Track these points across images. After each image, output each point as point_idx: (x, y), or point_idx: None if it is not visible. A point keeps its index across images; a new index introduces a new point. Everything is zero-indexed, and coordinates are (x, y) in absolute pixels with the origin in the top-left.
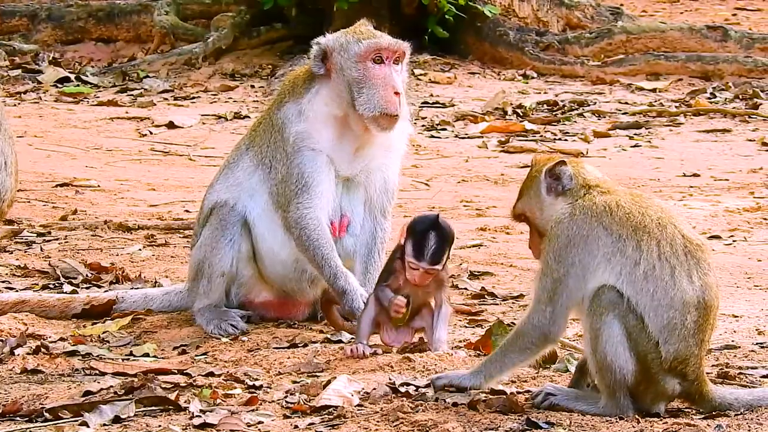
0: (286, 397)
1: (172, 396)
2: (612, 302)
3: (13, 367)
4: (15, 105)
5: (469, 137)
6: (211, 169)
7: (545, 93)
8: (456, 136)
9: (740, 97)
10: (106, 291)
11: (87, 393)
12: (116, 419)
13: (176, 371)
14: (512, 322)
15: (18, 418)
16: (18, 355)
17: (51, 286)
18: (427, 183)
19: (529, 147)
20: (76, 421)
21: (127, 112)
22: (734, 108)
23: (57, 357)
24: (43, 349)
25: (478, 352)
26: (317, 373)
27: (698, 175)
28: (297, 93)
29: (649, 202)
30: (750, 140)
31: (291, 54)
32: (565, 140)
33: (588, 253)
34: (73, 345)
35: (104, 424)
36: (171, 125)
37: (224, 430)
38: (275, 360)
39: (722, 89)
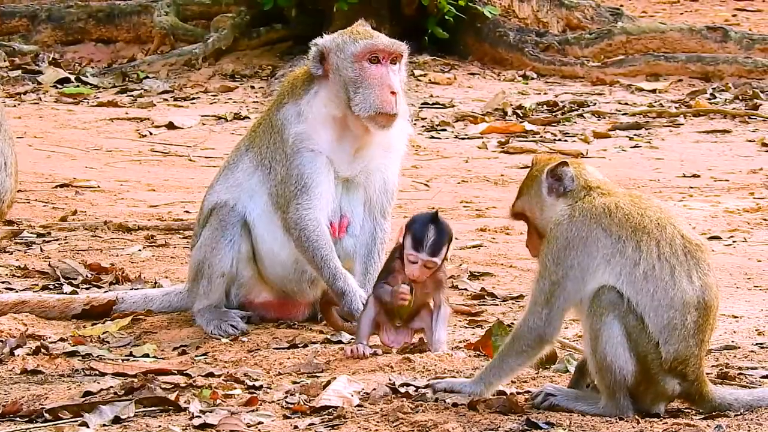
0: (286, 397)
1: (172, 396)
2: (612, 303)
3: (13, 368)
4: (15, 106)
5: (469, 138)
6: (211, 169)
7: (545, 94)
8: (456, 136)
9: (740, 97)
10: (106, 292)
11: (87, 393)
12: (116, 420)
13: (176, 372)
14: (512, 323)
15: (18, 419)
16: (18, 355)
17: (51, 286)
18: (427, 183)
19: (529, 148)
20: (76, 421)
21: (127, 113)
22: (734, 109)
23: (57, 357)
24: (43, 350)
25: (477, 352)
26: (317, 374)
27: (698, 176)
28: (296, 94)
29: (648, 203)
30: (750, 141)
31: (291, 55)
32: (565, 141)
33: (587, 255)
34: (73, 345)
35: (104, 425)
36: (171, 126)
37: (224, 430)
38: (275, 360)
39: (722, 90)
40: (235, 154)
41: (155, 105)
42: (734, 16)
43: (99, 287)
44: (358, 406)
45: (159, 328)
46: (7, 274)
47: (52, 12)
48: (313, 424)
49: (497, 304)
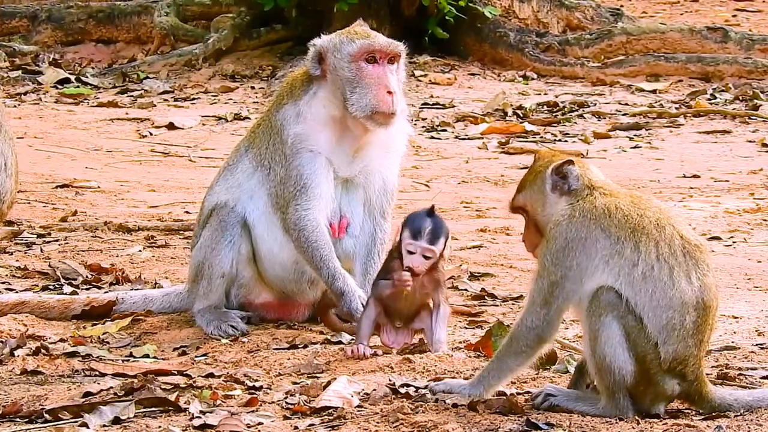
0: (286, 398)
1: (172, 397)
2: (611, 303)
3: (13, 368)
4: (15, 106)
5: (469, 138)
6: (211, 170)
7: (545, 94)
8: (456, 137)
9: (740, 98)
10: (106, 292)
11: (87, 394)
12: (116, 420)
13: (176, 372)
14: (512, 323)
15: (18, 419)
16: (18, 356)
17: (51, 287)
18: (427, 184)
19: (529, 148)
20: (76, 422)
21: (127, 113)
22: (734, 109)
23: (57, 358)
24: (43, 351)
25: (478, 353)
26: (317, 374)
27: (698, 176)
28: (295, 95)
29: (647, 204)
30: (750, 141)
31: (291, 55)
32: (565, 141)
33: (586, 256)
34: (73, 346)
35: (104, 425)
36: (171, 126)
37: (224, 431)
38: (275, 361)
39: (722, 90)
40: (234, 154)
41: (155, 105)
42: (734, 16)
43: (99, 288)
44: (358, 406)
45: (159, 329)
46: (7, 275)
47: (52, 12)
48: (313, 424)
49: (497, 305)
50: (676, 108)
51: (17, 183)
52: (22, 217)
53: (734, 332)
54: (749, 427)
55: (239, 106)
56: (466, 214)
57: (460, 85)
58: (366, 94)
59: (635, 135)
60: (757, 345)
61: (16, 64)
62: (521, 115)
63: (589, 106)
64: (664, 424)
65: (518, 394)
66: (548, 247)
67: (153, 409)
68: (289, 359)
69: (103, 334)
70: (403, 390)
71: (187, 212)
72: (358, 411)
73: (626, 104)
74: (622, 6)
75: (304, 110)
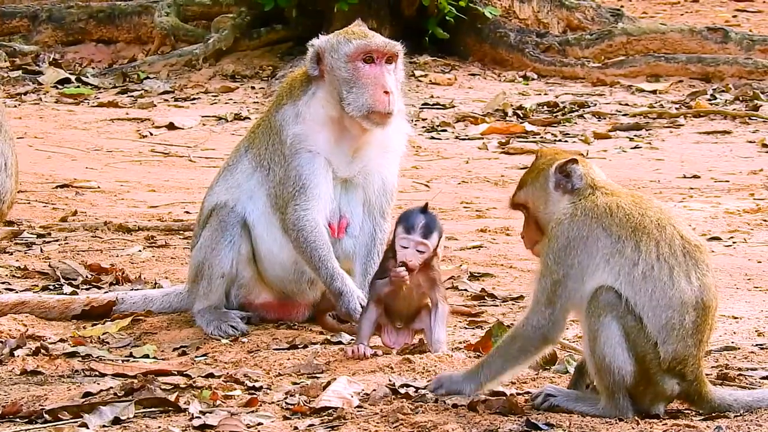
0: (285, 398)
1: (172, 397)
2: (610, 303)
3: (13, 369)
4: (15, 106)
5: (469, 138)
6: (211, 170)
7: (545, 94)
8: (456, 137)
9: (740, 98)
10: (106, 292)
11: (87, 394)
12: (116, 420)
13: (176, 372)
14: (512, 324)
15: (18, 420)
16: (18, 356)
17: (51, 287)
18: (428, 184)
19: (529, 148)
20: (76, 422)
21: (127, 114)
22: (734, 110)
23: (57, 358)
24: (42, 351)
25: (478, 353)
26: (317, 375)
27: (698, 177)
28: (294, 95)
29: (649, 204)
30: (750, 142)
31: (291, 55)
32: (566, 141)
33: (587, 255)
34: (73, 346)
35: (104, 426)
36: (171, 126)
37: (224, 431)
38: (275, 361)
39: (722, 91)
40: (234, 155)
41: (156, 105)
42: (734, 17)
43: (99, 288)
44: (358, 407)
45: (159, 329)
46: (7, 275)
47: (52, 12)
48: (313, 425)
49: (497, 305)
50: (676, 108)
51: (17, 183)
52: (22, 217)
53: (734, 332)
54: (749, 428)
55: (239, 106)
56: (466, 214)
57: (460, 86)
58: (363, 94)
59: (635, 135)
60: (756, 345)
61: (17, 64)
62: (521, 116)
63: (589, 107)
64: (663, 424)
65: (518, 394)
66: (550, 246)
67: (153, 409)
68: (289, 359)
69: (103, 334)
70: (402, 390)
71: (187, 212)
72: (358, 411)
73: (626, 104)
74: (622, 6)
75: (302, 111)
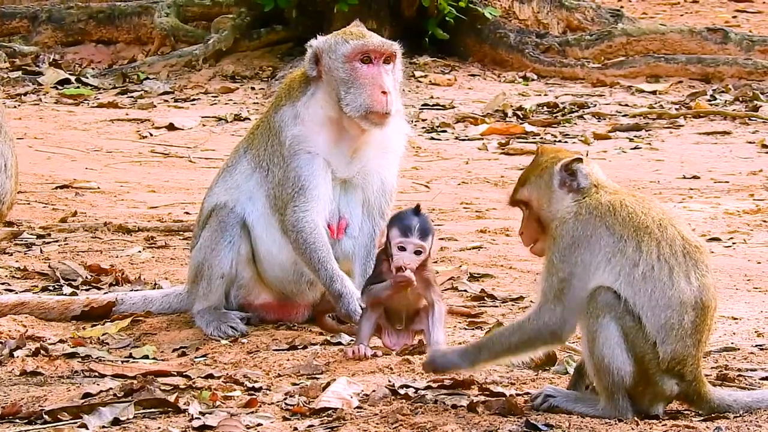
0: (285, 399)
1: (172, 398)
2: (608, 304)
3: (13, 369)
4: (15, 107)
5: (469, 139)
6: (211, 171)
7: (545, 95)
8: (456, 138)
9: (740, 99)
10: (105, 293)
11: (86, 395)
12: (115, 421)
13: (175, 373)
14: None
15: (17, 420)
16: (17, 357)
17: (50, 288)
18: (427, 185)
19: (529, 149)
20: (75, 423)
21: (127, 114)
22: (734, 110)
23: (56, 359)
24: (42, 351)
25: None
26: (317, 375)
27: (698, 178)
28: (293, 96)
29: (651, 204)
30: (750, 142)
31: (291, 56)
32: (566, 142)
33: (590, 253)
34: (73, 347)
35: (103, 426)
36: (171, 127)
37: None
38: (275, 362)
39: (722, 91)
40: (234, 155)
41: (155, 106)
42: (734, 17)
43: (98, 289)
44: (357, 407)
45: (158, 330)
46: (6, 276)
47: (52, 13)
48: (312, 425)
49: (497, 306)
50: (676, 109)
51: (17, 184)
52: (22, 218)
53: (734, 333)
54: (749, 428)
55: (239, 106)
56: (465, 215)
57: (460, 86)
58: (360, 95)
59: (635, 136)
60: (756, 346)
61: (17, 64)
62: (521, 116)
63: (589, 107)
64: (663, 425)
65: (517, 395)
66: (555, 244)
67: (152, 410)
68: (288, 360)
69: (103, 335)
70: (402, 391)
71: (187, 213)
72: (358, 412)
73: (626, 105)
74: (622, 7)
75: (301, 111)
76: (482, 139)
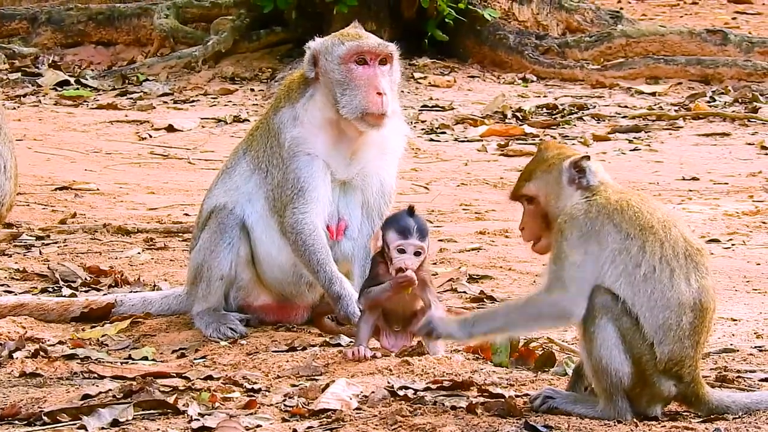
0: (284, 400)
1: (171, 399)
2: (605, 305)
3: (12, 371)
4: (14, 108)
5: (468, 141)
6: (211, 172)
7: (545, 96)
8: (455, 139)
9: (740, 100)
10: (104, 294)
11: (85, 396)
12: (115, 423)
13: (175, 375)
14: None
15: (17, 422)
16: (17, 358)
17: (50, 289)
18: (427, 186)
19: (528, 150)
20: (75, 424)
21: (126, 116)
22: (734, 112)
23: (56, 360)
24: (41, 353)
25: (476, 355)
26: (316, 377)
27: (697, 179)
28: (292, 97)
29: (655, 204)
30: (749, 144)
31: (291, 57)
32: (565, 144)
33: (599, 247)
34: (72, 348)
35: (102, 428)
36: (170, 128)
37: None
38: (274, 363)
39: (722, 93)
40: (233, 157)
41: (155, 108)
42: (734, 19)
43: (98, 290)
44: (356, 409)
45: (158, 331)
46: (6, 277)
47: (51, 14)
48: (311, 427)
49: None
50: (675, 110)
51: (16, 185)
52: (21, 220)
53: (733, 335)
54: (747, 430)
55: (238, 108)
56: (465, 216)
57: (459, 88)
58: (356, 96)
59: (634, 137)
60: (755, 347)
61: (16, 66)
62: (520, 118)
63: (588, 109)
64: (662, 426)
65: (517, 396)
66: (564, 237)
67: (151, 411)
68: (287, 362)
69: (102, 336)
70: (401, 392)
71: (186, 214)
72: (357, 413)
73: (625, 107)
74: (621, 8)
75: (300, 113)
76: (481, 140)
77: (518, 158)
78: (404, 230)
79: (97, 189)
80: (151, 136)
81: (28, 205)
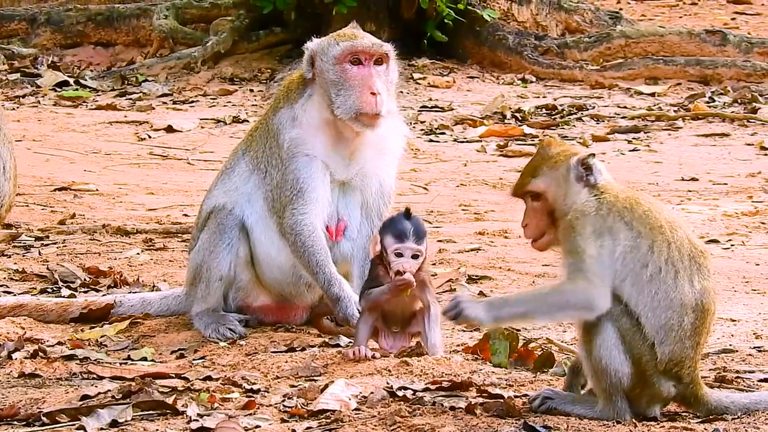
0: (283, 401)
1: (170, 400)
2: None
3: (11, 371)
4: (14, 109)
5: (467, 141)
6: (210, 173)
7: (544, 97)
8: (455, 140)
9: (739, 101)
10: (104, 295)
11: (84, 397)
12: (114, 423)
13: (174, 375)
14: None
15: (16, 423)
16: (16, 359)
17: (49, 290)
18: (426, 187)
19: (527, 151)
20: (74, 425)
21: (125, 116)
22: (733, 112)
23: (55, 361)
24: (40, 354)
25: (475, 356)
26: (315, 377)
27: (697, 180)
28: (291, 98)
29: (660, 204)
30: (748, 144)
31: (290, 58)
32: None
33: (613, 242)
34: (71, 349)
35: (102, 429)
36: (170, 129)
37: None
38: (273, 364)
39: (721, 93)
40: (232, 158)
41: (154, 108)
42: (733, 19)
43: (97, 291)
44: (355, 409)
45: (157, 332)
46: (5, 278)
47: (51, 15)
48: (310, 427)
49: None
50: (674, 111)
51: (16, 186)
52: (21, 220)
53: (732, 335)
54: (746, 430)
55: (238, 109)
56: (464, 217)
57: (458, 88)
58: (350, 96)
59: (634, 138)
60: (754, 348)
61: (15, 66)
62: (520, 118)
63: (587, 109)
64: (661, 426)
65: (516, 397)
66: (576, 233)
67: (150, 412)
68: (286, 362)
69: (101, 337)
70: (400, 393)
71: (186, 215)
72: (356, 414)
73: (625, 107)
74: (621, 9)
75: (299, 114)
76: (481, 141)
77: (517, 159)
78: (401, 234)
79: (97, 190)
80: (150, 137)
81: (27, 206)
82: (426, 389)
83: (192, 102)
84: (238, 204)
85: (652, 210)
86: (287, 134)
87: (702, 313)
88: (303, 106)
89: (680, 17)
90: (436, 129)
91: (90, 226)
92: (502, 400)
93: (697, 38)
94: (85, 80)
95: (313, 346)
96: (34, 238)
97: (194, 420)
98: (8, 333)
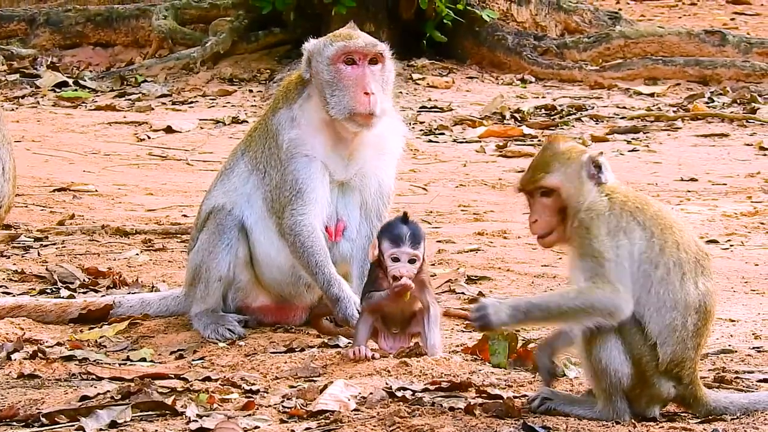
0: (282, 401)
1: (169, 401)
2: None
3: (10, 372)
4: (13, 109)
5: (467, 142)
6: (209, 173)
7: (543, 97)
8: (454, 140)
9: (738, 101)
10: (103, 296)
11: (84, 398)
12: (113, 424)
13: (173, 376)
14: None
15: (15, 423)
16: (15, 359)
17: (48, 290)
18: (425, 187)
19: (527, 151)
20: (73, 425)
21: (125, 117)
22: (732, 112)
23: (54, 362)
24: (39, 354)
25: (474, 356)
26: (314, 378)
27: (696, 180)
28: (290, 99)
29: (666, 206)
30: (748, 145)
31: (289, 58)
32: None
33: (629, 241)
34: (70, 350)
35: (101, 429)
36: (169, 130)
37: None
38: (272, 364)
39: (720, 94)
40: (231, 158)
41: (153, 109)
42: (732, 20)
43: (96, 291)
44: (354, 410)
45: (156, 333)
46: (4, 279)
47: (50, 16)
48: (309, 428)
49: None
50: (673, 111)
51: (15, 187)
52: (20, 221)
53: (731, 335)
54: (746, 430)
55: (237, 109)
56: (463, 217)
57: (458, 89)
58: (344, 96)
59: (633, 138)
60: (753, 348)
61: (14, 67)
62: (519, 119)
63: (586, 110)
64: (660, 427)
65: (515, 397)
66: (591, 233)
67: (150, 412)
68: (286, 363)
69: (100, 337)
70: (399, 393)
71: (185, 216)
72: (355, 414)
73: (624, 108)
74: (620, 9)
75: (297, 114)
76: (480, 141)
77: (517, 159)
78: (397, 239)
79: (96, 190)
80: (149, 138)
81: (26, 207)
82: (425, 390)
83: (191, 102)
84: (237, 204)
85: (662, 210)
86: (286, 135)
87: (704, 315)
88: (301, 106)
89: (679, 17)
90: (435, 129)
91: (89, 226)
92: (501, 401)
93: (697, 38)
94: (85, 81)
95: (312, 347)
96: (33, 239)
97: (193, 421)
98: (7, 334)
